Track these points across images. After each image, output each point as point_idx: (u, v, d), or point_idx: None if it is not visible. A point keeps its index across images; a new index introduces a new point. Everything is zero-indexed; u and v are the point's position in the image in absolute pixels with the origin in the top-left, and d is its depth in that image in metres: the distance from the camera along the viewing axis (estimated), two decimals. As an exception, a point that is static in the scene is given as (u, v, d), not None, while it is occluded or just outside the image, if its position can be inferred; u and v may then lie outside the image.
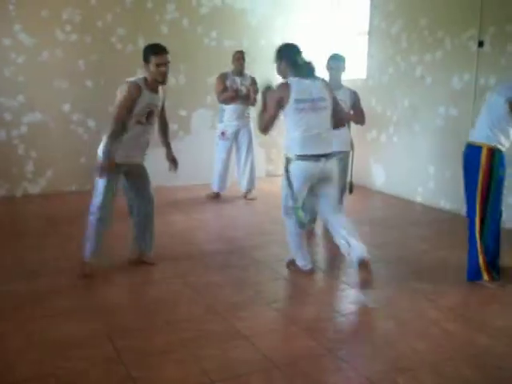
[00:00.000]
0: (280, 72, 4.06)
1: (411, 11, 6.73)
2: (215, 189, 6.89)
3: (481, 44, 5.74)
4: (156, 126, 4.28)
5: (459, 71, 6.07)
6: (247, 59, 6.62)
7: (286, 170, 4.00)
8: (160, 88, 4.09)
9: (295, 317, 3.46)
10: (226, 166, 6.81)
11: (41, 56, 6.70)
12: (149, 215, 4.29)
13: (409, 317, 3.43)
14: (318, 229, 5.32)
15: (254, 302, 3.66)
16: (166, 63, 3.90)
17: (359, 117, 5.19)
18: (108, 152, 3.83)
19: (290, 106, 3.86)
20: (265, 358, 2.88)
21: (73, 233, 4.96)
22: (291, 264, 4.27)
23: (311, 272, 4.18)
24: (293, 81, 3.90)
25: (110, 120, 3.88)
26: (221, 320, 3.34)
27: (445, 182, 6.35)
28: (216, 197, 6.89)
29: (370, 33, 7.48)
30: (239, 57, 6.56)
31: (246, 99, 6.55)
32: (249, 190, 6.92)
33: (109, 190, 4.03)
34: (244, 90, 6.55)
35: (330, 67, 5.09)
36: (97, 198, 4.04)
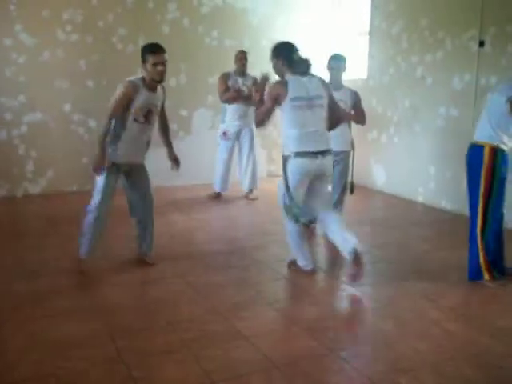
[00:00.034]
0: (277, 70, 4.08)
1: (412, 12, 6.73)
2: (217, 189, 6.88)
3: (481, 44, 5.73)
4: (156, 126, 4.28)
5: (460, 72, 6.06)
6: (248, 59, 6.62)
7: (284, 168, 4.01)
8: (160, 88, 4.09)
9: (296, 317, 3.46)
10: (228, 167, 6.80)
11: (42, 56, 6.70)
12: (148, 216, 4.30)
13: (410, 317, 3.43)
14: (319, 229, 5.31)
15: (255, 302, 3.66)
16: (163, 62, 3.90)
17: (360, 117, 5.19)
18: (101, 151, 3.87)
19: (286, 104, 3.89)
20: (266, 358, 2.87)
21: (73, 233, 4.93)
22: (292, 264, 4.26)
23: (312, 272, 4.17)
24: (290, 79, 3.93)
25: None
26: (222, 320, 3.34)
27: (445, 182, 6.35)
28: (217, 197, 6.88)
29: (370, 33, 7.48)
30: (241, 57, 6.56)
31: (248, 99, 6.54)
32: (250, 191, 6.92)
33: (107, 190, 4.04)
34: (246, 90, 6.54)
35: (330, 67, 5.09)
36: (95, 198, 4.06)
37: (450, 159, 6.19)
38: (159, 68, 3.88)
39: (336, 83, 5.09)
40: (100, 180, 4.02)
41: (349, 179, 5.25)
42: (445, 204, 6.38)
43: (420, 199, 6.74)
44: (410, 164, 6.87)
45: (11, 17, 6.47)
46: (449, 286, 3.94)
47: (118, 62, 6.92)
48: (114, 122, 3.95)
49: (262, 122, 4.08)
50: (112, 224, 4.84)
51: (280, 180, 4.10)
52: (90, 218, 4.07)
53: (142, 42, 6.77)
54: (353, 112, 5.16)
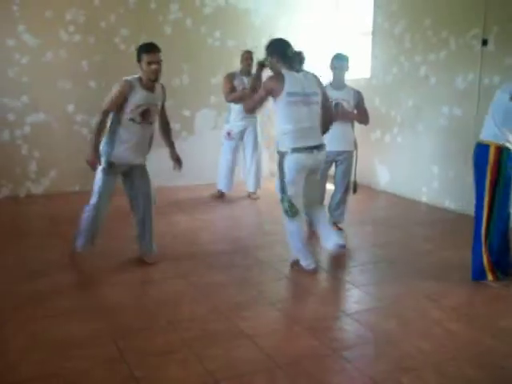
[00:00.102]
0: (272, 67, 4.11)
1: (414, 11, 6.71)
2: (221, 188, 6.86)
3: (485, 43, 5.71)
4: (157, 127, 4.30)
5: (463, 71, 6.04)
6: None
7: (280, 164, 4.04)
8: (159, 87, 4.10)
9: (298, 316, 3.45)
10: (232, 167, 6.78)
11: (45, 56, 6.71)
12: (147, 217, 4.29)
13: (412, 316, 3.42)
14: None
15: (258, 301, 3.65)
16: (157, 61, 3.93)
17: (363, 116, 5.19)
18: (94, 146, 3.92)
19: (282, 99, 3.94)
20: (268, 358, 2.87)
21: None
22: (295, 264, 4.26)
23: (314, 272, 4.16)
24: (286, 73, 3.95)
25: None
26: (224, 320, 3.33)
27: (449, 181, 6.33)
28: (220, 196, 6.87)
29: (373, 33, 7.47)
30: (247, 57, 6.55)
31: None
32: (255, 190, 6.91)
33: (105, 190, 4.08)
34: None
35: (333, 66, 5.09)
36: (93, 198, 4.12)
37: (454, 159, 6.18)
38: (153, 67, 3.90)
39: (339, 83, 5.10)
40: (98, 180, 4.06)
41: (352, 179, 5.25)
42: (448, 204, 6.36)
43: (423, 199, 6.73)
44: (413, 164, 6.86)
45: (14, 17, 6.48)
46: (452, 286, 3.93)
47: (120, 63, 6.91)
48: (110, 121, 4.01)
49: (253, 109, 4.20)
50: (113, 224, 4.88)
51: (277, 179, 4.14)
52: (87, 216, 4.14)
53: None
54: (356, 112, 5.16)
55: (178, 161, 4.39)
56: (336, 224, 5.37)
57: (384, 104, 7.27)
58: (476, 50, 5.85)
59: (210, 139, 7.56)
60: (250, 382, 2.65)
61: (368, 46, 7.62)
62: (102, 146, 4.04)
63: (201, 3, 7.52)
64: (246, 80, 6.52)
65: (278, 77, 3.96)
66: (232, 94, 6.47)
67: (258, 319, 3.35)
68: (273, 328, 3.28)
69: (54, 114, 6.85)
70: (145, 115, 4.02)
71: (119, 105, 3.92)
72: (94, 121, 4.01)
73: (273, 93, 3.96)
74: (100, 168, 4.03)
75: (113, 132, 4.03)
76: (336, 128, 4.97)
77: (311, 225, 4.53)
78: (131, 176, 4.19)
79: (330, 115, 4.27)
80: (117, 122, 4.01)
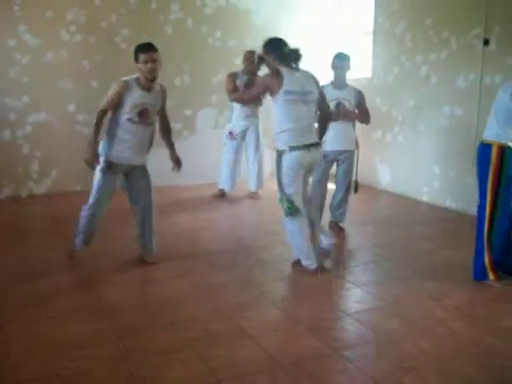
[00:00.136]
0: (269, 65, 4.14)
1: (415, 11, 6.71)
2: (224, 187, 6.85)
3: (486, 42, 5.71)
4: (157, 127, 4.30)
5: (464, 71, 6.04)
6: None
7: (278, 163, 4.07)
8: (158, 87, 4.11)
9: (300, 316, 3.46)
10: (234, 166, 6.76)
11: (45, 56, 6.71)
12: (148, 217, 4.29)
13: (414, 316, 3.42)
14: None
15: (259, 301, 3.65)
16: (153, 60, 3.93)
17: (364, 116, 5.19)
18: (92, 145, 3.93)
19: (280, 97, 3.96)
20: (270, 358, 2.87)
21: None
22: (297, 264, 4.26)
23: (316, 271, 4.16)
24: (284, 70, 3.97)
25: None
26: (226, 320, 3.34)
27: (450, 181, 6.34)
28: (221, 196, 6.87)
29: (374, 32, 7.47)
30: (250, 56, 6.55)
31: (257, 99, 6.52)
32: (257, 190, 6.91)
33: (103, 190, 4.09)
34: None
35: (334, 66, 5.09)
36: (91, 198, 4.13)
37: (455, 158, 6.19)
38: (149, 65, 3.91)
39: (340, 82, 5.10)
40: (96, 180, 4.08)
41: (353, 178, 5.25)
42: (449, 203, 6.36)
43: (424, 198, 6.73)
44: (414, 163, 6.86)
45: (15, 17, 6.49)
46: (453, 286, 3.93)
47: (121, 63, 6.88)
48: (109, 121, 4.03)
49: (245, 100, 4.23)
50: (113, 224, 4.89)
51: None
52: (85, 214, 4.16)
53: (145, 43, 6.83)
54: (357, 111, 5.17)
55: (177, 162, 4.39)
56: (337, 223, 5.39)
57: (385, 104, 7.27)
58: (477, 49, 5.85)
59: (212, 138, 7.56)
60: (252, 381, 2.66)
61: (369, 46, 7.63)
62: (101, 146, 4.05)
63: (201, 3, 7.52)
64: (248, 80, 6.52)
65: (276, 74, 3.97)
66: (235, 93, 6.47)
67: (259, 319, 3.36)
68: (274, 328, 3.28)
69: (56, 113, 6.86)
70: (142, 115, 4.02)
71: (116, 105, 3.94)
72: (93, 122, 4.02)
73: (270, 89, 3.99)
74: (99, 168, 4.04)
75: (111, 132, 4.04)
76: (337, 127, 4.99)
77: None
78: (132, 176, 4.20)
79: (327, 114, 4.35)
80: (115, 122, 4.02)
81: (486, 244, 3.87)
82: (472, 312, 3.51)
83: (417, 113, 6.78)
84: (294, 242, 4.19)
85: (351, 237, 5.25)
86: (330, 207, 5.36)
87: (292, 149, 3.98)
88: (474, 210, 4.01)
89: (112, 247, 4.66)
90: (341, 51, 5.24)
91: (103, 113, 3.97)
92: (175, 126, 6.86)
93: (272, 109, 4.10)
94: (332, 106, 4.99)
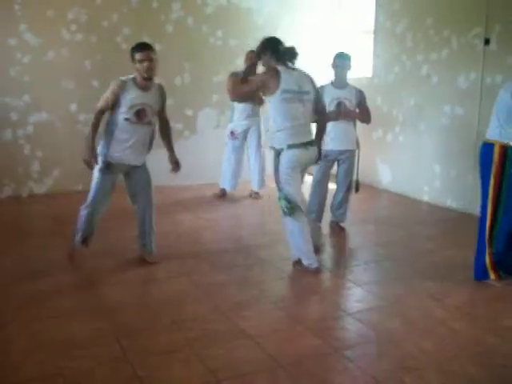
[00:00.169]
0: (266, 64, 4.15)
1: (416, 10, 6.71)
2: (226, 187, 6.85)
3: (487, 42, 5.71)
4: (157, 128, 4.30)
5: (465, 70, 6.04)
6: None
7: (276, 162, 4.09)
8: (156, 87, 4.11)
9: (300, 316, 3.46)
10: (235, 166, 6.76)
11: (46, 56, 6.71)
12: (148, 216, 4.29)
13: (415, 316, 3.42)
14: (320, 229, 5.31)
15: (259, 301, 3.65)
16: (149, 59, 3.94)
17: (365, 115, 5.19)
18: (90, 145, 3.96)
19: (276, 96, 3.97)
20: (270, 358, 2.87)
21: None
22: (297, 263, 4.25)
23: (317, 271, 4.16)
24: (282, 69, 3.98)
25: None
26: (225, 319, 3.33)
27: (450, 180, 6.33)
28: (222, 195, 6.87)
29: (375, 32, 7.46)
30: (252, 56, 6.53)
31: (259, 99, 6.51)
32: (259, 190, 6.90)
33: (102, 190, 4.10)
34: None
35: (335, 65, 5.09)
36: (89, 198, 4.14)
37: (455, 158, 6.18)
38: (145, 64, 3.91)
39: (341, 81, 5.10)
40: (94, 180, 4.09)
41: (354, 178, 5.25)
42: (450, 203, 6.36)
43: (425, 198, 6.72)
44: (415, 163, 6.86)
45: (16, 16, 6.48)
46: (454, 285, 3.93)
47: (122, 62, 6.84)
48: (107, 121, 4.04)
49: (238, 96, 4.25)
50: (113, 224, 4.89)
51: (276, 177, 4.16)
52: (83, 213, 4.17)
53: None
54: (358, 110, 5.16)
55: (176, 164, 4.39)
56: (338, 223, 5.39)
57: (386, 103, 7.27)
58: (478, 49, 5.84)
59: (213, 138, 7.56)
60: (252, 381, 2.65)
61: (370, 45, 7.62)
62: (100, 146, 4.05)
63: (203, 2, 7.51)
64: None
65: (274, 73, 3.97)
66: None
67: (259, 319, 3.36)
68: (275, 327, 3.28)
69: (57, 113, 6.85)
70: (140, 115, 4.01)
71: (112, 104, 3.95)
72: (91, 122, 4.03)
73: (265, 88, 3.99)
74: (97, 168, 4.04)
75: (109, 132, 4.04)
76: (338, 127, 5.00)
77: (318, 226, 4.55)
78: (131, 176, 4.20)
79: (324, 115, 4.36)
80: (113, 122, 4.02)
81: (487, 243, 3.86)
82: (473, 312, 3.51)
83: (417, 112, 6.77)
84: (294, 241, 4.18)
85: (352, 236, 5.25)
86: (331, 207, 5.36)
87: (290, 147, 3.99)
88: (474, 210, 4.01)
89: (112, 247, 4.67)
90: (341, 50, 5.24)
91: (100, 113, 3.99)
92: (176, 125, 6.86)
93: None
94: (333, 105, 4.99)
